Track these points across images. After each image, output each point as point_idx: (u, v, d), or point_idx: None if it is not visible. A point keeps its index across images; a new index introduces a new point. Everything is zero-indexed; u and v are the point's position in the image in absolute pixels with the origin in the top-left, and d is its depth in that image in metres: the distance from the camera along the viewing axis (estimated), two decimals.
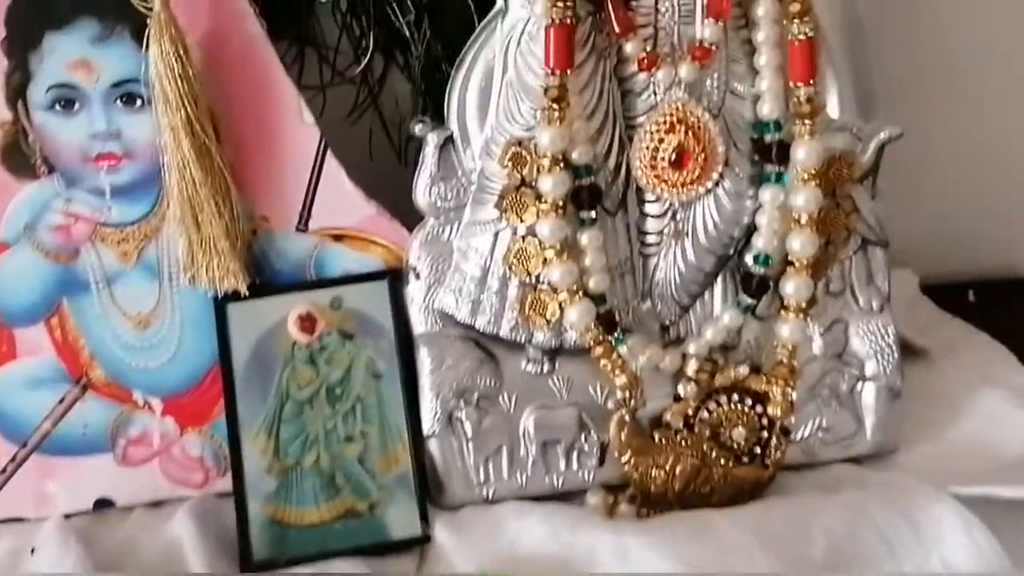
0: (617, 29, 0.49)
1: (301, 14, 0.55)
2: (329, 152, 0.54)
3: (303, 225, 0.55)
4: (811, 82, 0.49)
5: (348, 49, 0.56)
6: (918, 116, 0.54)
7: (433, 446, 0.52)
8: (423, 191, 0.53)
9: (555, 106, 0.49)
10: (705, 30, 0.49)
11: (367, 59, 0.55)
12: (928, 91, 0.56)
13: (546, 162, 0.50)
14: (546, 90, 0.49)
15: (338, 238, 0.55)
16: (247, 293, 0.53)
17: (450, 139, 0.52)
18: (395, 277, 0.55)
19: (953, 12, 0.54)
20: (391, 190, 0.56)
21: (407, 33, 0.54)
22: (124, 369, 0.55)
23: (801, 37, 0.49)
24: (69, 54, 0.52)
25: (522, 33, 0.50)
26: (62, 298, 0.54)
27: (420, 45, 0.54)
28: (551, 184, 0.50)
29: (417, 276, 0.54)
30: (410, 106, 0.56)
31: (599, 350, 0.52)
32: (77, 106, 0.53)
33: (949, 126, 0.56)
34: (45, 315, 0.54)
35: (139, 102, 0.53)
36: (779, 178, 0.51)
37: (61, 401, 0.55)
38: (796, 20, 0.49)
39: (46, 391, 0.54)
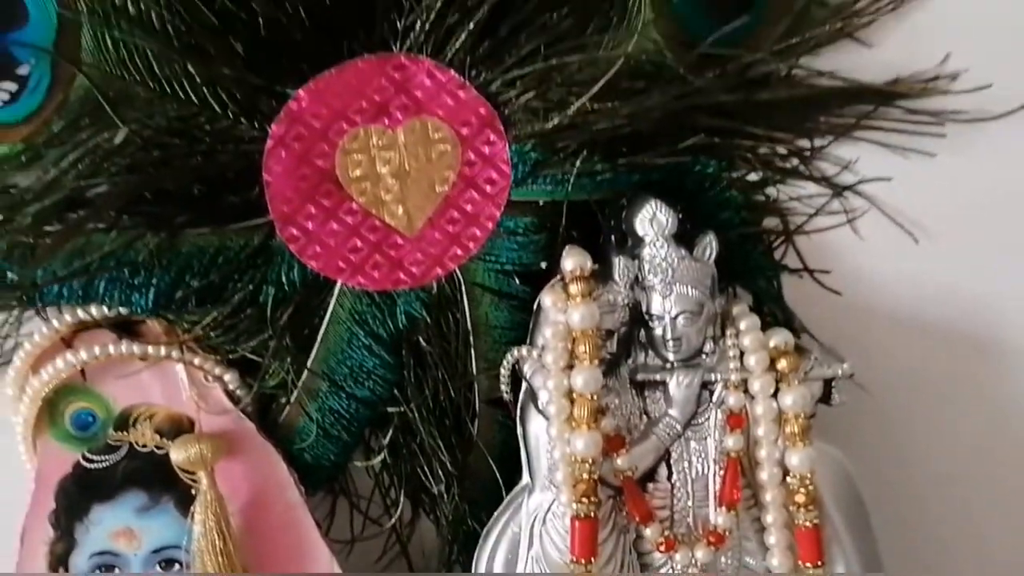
0: (637, 517, 0.53)
1: (337, 470, 0.59)
2: None
3: None
4: (820, 563, 0.53)
5: (378, 499, 0.60)
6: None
7: None
8: None
9: None
10: (719, 517, 0.53)
11: (398, 512, 0.58)
12: (934, 551, 0.60)
13: None
14: (572, 573, 0.52)
15: None
16: None
17: None
18: None
19: (941, 483, 0.59)
20: None
21: (437, 492, 0.58)
22: None
23: (807, 524, 0.52)
24: (114, 524, 0.54)
25: (547, 512, 0.53)
26: None
27: (449, 504, 0.57)
28: None
29: None
30: (438, 554, 0.59)
31: None
32: (116, 571, 0.55)
33: None
34: None
35: (177, 566, 0.55)
36: None
37: None
38: (802, 509, 0.53)
39: None
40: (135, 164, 0.47)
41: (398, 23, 0.49)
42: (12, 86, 0.47)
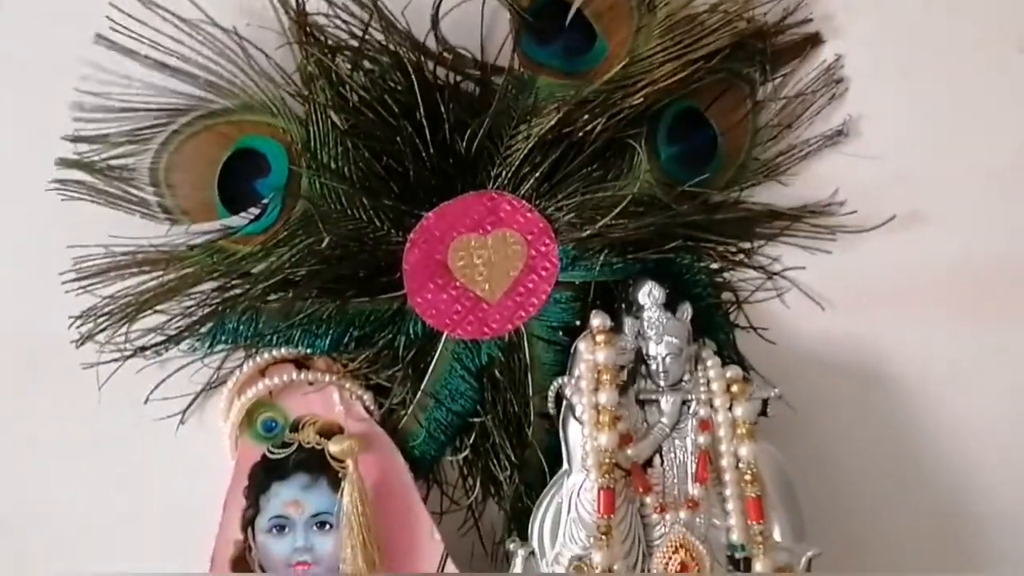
0: (640, 490, 0.78)
1: (435, 462, 0.83)
2: (449, 559, 0.81)
3: None
4: (762, 522, 0.78)
5: (459, 484, 0.84)
6: (835, 535, 0.83)
7: None
8: None
9: (603, 537, 0.77)
10: (695, 491, 0.79)
11: (474, 494, 0.82)
12: (840, 518, 0.85)
13: (598, 569, 0.77)
14: (598, 527, 0.77)
15: None
16: None
17: (532, 552, 0.79)
18: None
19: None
20: None
21: (502, 478, 0.82)
22: None
23: (752, 495, 0.79)
24: (287, 496, 0.79)
25: (580, 486, 0.79)
26: None
27: (511, 487, 0.82)
28: None
29: None
30: (502, 526, 0.83)
31: None
32: (286, 530, 0.79)
33: (861, 543, 0.86)
34: None
35: (328, 527, 0.80)
36: None
37: None
38: (749, 485, 0.78)
39: None
40: (326, 258, 0.74)
41: (491, 172, 0.78)
42: (256, 211, 0.75)
